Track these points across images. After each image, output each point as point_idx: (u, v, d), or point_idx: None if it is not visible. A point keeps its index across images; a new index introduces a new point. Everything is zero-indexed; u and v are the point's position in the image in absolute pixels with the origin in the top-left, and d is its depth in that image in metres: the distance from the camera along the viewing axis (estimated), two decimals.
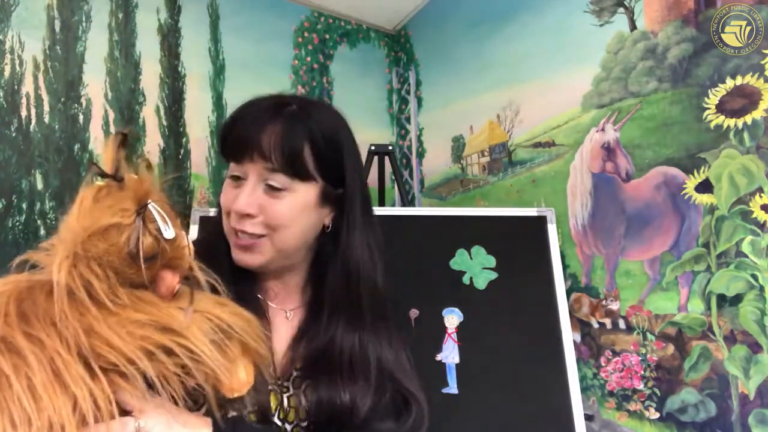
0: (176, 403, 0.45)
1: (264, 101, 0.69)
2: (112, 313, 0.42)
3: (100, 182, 0.46)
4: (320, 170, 0.67)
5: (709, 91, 1.10)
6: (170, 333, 0.42)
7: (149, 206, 0.45)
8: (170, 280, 0.47)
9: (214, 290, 0.51)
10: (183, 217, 0.80)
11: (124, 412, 0.43)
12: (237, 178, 0.66)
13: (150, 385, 0.42)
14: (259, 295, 0.71)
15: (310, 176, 0.66)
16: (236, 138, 0.66)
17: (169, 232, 0.45)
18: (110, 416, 0.40)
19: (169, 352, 0.42)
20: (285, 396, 0.66)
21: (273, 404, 0.64)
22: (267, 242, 0.65)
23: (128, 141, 0.47)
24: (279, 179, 0.64)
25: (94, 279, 0.42)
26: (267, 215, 0.64)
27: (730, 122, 1.07)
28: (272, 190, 0.64)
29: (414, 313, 1.14)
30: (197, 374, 0.44)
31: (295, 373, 0.67)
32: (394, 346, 0.72)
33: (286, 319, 0.72)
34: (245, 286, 0.67)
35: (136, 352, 0.40)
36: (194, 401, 0.48)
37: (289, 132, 0.64)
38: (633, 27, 1.27)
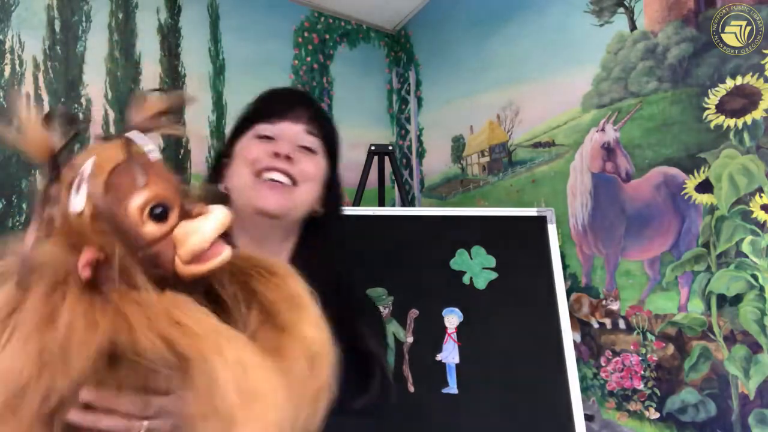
0: None
1: (296, 89, 0.78)
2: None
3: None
4: (331, 149, 0.75)
5: (709, 91, 1.10)
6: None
7: (82, 169, 0.36)
8: (80, 259, 0.36)
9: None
10: None
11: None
12: (267, 138, 0.70)
13: None
14: None
15: (329, 149, 0.75)
16: (282, 97, 0.75)
17: (75, 204, 0.35)
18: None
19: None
20: None
21: None
22: (295, 191, 0.69)
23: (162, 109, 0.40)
24: (313, 142, 0.71)
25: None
26: (301, 168, 0.69)
27: (730, 122, 1.07)
28: (305, 149, 0.70)
29: (414, 313, 1.14)
30: None
31: None
32: (360, 319, 0.72)
33: None
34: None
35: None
36: None
37: (324, 113, 0.77)
38: (633, 27, 1.27)
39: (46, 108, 1.41)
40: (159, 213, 0.36)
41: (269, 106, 0.73)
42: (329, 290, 0.68)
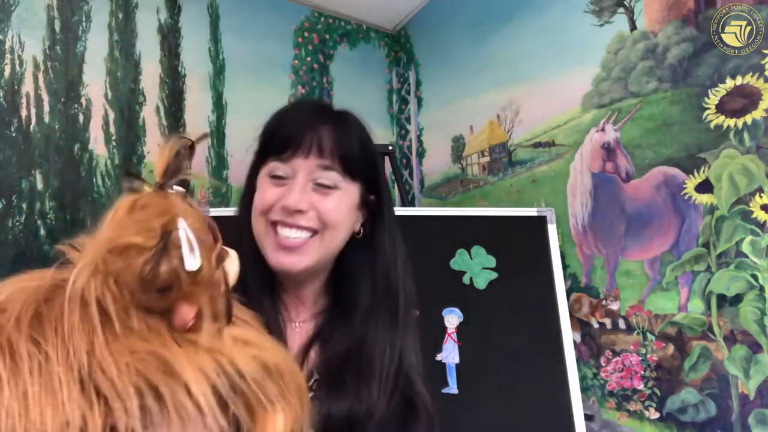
0: None
1: (307, 103, 0.71)
2: (117, 336, 0.40)
3: (144, 188, 0.42)
4: (363, 172, 0.68)
5: (709, 91, 1.10)
6: (167, 374, 0.38)
7: (180, 230, 0.41)
8: (185, 313, 0.41)
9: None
10: None
11: None
12: (280, 178, 0.64)
13: None
14: (278, 312, 0.69)
15: (358, 175, 0.67)
16: (289, 133, 0.65)
17: (191, 263, 0.40)
18: None
19: (159, 397, 0.37)
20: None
21: None
22: (316, 242, 0.64)
23: (194, 151, 0.41)
24: (331, 176, 0.64)
25: (109, 295, 0.40)
26: (319, 212, 0.63)
27: (730, 122, 1.07)
28: (322, 188, 0.64)
29: (414, 313, 1.14)
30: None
31: (313, 378, 0.66)
32: (415, 348, 0.72)
33: (294, 330, 0.71)
34: (265, 299, 0.65)
35: (127, 388, 0.36)
36: None
37: (344, 131, 0.66)
38: (633, 27, 1.27)
39: (47, 108, 1.41)
40: (220, 258, 0.44)
41: (278, 140, 0.66)
42: (381, 305, 0.67)
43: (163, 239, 0.40)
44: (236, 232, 0.65)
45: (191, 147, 0.42)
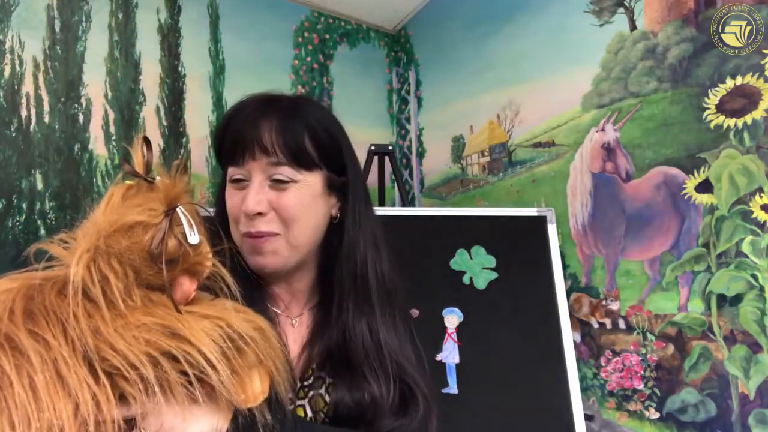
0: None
1: (252, 100, 0.68)
2: (121, 315, 0.41)
3: (129, 181, 0.46)
4: (322, 158, 0.66)
5: (709, 91, 1.11)
6: (177, 339, 0.41)
7: (178, 209, 0.45)
8: (187, 286, 0.46)
9: (233, 297, 0.50)
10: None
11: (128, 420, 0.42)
12: (239, 181, 0.65)
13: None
14: (268, 304, 0.69)
15: (314, 165, 0.66)
16: (233, 139, 0.64)
17: (193, 238, 0.45)
18: (112, 421, 0.39)
19: (174, 359, 0.41)
20: (307, 400, 0.65)
21: (300, 412, 0.63)
22: (282, 240, 0.64)
23: (151, 144, 0.47)
24: (284, 171, 0.63)
25: (112, 275, 0.41)
26: (278, 210, 0.63)
27: (730, 122, 1.07)
28: (279, 183, 0.63)
29: (414, 313, 1.14)
30: (206, 383, 0.43)
31: (312, 373, 0.66)
32: (398, 333, 0.71)
33: (292, 326, 0.71)
34: (253, 295, 0.65)
35: (139, 357, 0.39)
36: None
37: (287, 123, 0.64)
38: (633, 27, 1.27)
39: (47, 108, 1.41)
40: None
41: (227, 145, 0.65)
42: (353, 291, 0.67)
43: (168, 216, 0.44)
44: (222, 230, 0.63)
45: (148, 143, 0.47)
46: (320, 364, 0.67)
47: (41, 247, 0.46)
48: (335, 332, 0.66)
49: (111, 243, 0.42)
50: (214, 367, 0.41)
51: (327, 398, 0.64)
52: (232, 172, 0.65)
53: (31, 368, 0.37)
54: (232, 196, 0.66)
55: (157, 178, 0.46)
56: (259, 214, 0.62)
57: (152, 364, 0.40)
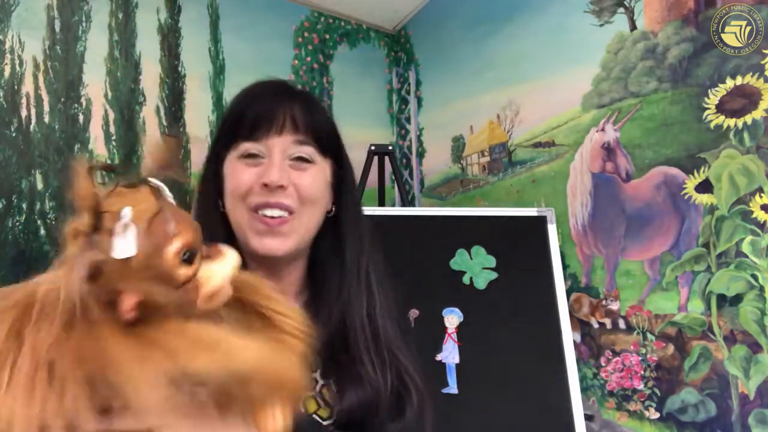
0: None
1: (270, 83, 0.69)
2: (75, 330, 0.38)
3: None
4: (333, 149, 0.68)
5: (709, 91, 1.11)
6: (111, 369, 0.36)
7: (122, 216, 0.38)
8: (124, 302, 0.38)
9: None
10: None
11: None
12: (254, 156, 0.62)
13: None
14: None
15: (330, 151, 0.67)
16: (260, 113, 0.63)
17: (122, 250, 0.38)
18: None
19: (110, 388, 0.36)
20: (318, 390, 0.63)
21: (312, 406, 0.62)
22: (296, 221, 0.63)
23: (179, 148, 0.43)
24: (308, 151, 0.63)
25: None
26: (298, 188, 0.62)
27: (730, 122, 1.07)
28: (301, 162, 0.63)
29: (414, 313, 1.14)
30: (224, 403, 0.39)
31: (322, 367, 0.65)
32: (394, 324, 0.70)
33: None
34: None
35: (78, 378, 0.35)
36: None
37: (313, 107, 0.66)
38: (633, 27, 1.27)
39: (46, 108, 1.41)
40: (188, 258, 0.40)
41: (249, 120, 0.63)
42: (351, 282, 0.66)
43: (91, 225, 0.37)
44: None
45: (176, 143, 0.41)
46: (315, 364, 0.65)
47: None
48: (334, 321, 0.65)
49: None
50: (148, 408, 0.36)
51: (320, 401, 0.63)
52: (247, 147, 0.62)
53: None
54: (242, 171, 0.62)
55: (153, 182, 0.42)
56: (281, 187, 0.61)
57: (89, 386, 0.36)
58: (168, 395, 0.35)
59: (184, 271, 0.39)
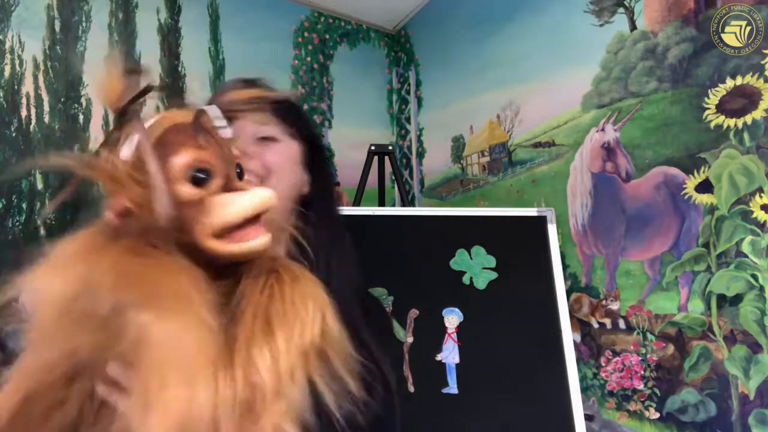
0: None
1: (233, 80, 0.73)
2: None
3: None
4: (300, 130, 0.72)
5: (709, 91, 1.10)
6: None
7: (136, 123, 0.36)
8: (110, 205, 0.36)
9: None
10: None
11: None
12: None
13: None
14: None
15: (295, 128, 0.71)
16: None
17: (123, 151, 0.36)
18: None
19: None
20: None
21: None
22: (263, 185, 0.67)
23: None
24: (271, 130, 0.69)
25: None
26: (262, 159, 0.67)
27: (730, 122, 1.07)
28: (265, 141, 0.69)
29: (414, 313, 1.14)
30: None
31: None
32: (355, 305, 0.69)
33: None
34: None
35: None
36: None
37: (272, 90, 0.69)
38: (633, 27, 1.27)
39: (46, 108, 1.41)
40: (199, 178, 0.35)
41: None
42: (324, 273, 0.67)
43: (118, 122, 0.36)
44: None
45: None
46: None
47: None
48: None
49: None
50: None
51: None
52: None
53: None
54: None
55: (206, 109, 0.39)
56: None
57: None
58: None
59: (187, 190, 0.35)
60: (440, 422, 1.08)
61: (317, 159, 0.75)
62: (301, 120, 0.74)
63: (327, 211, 0.74)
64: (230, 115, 0.47)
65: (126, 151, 0.36)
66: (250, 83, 0.58)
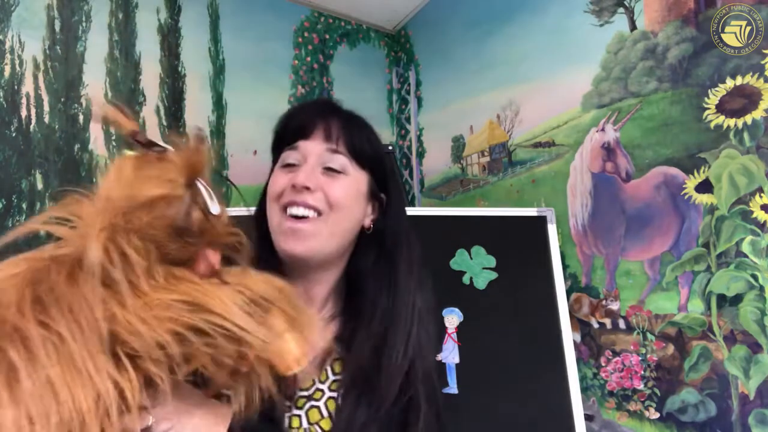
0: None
1: (318, 99, 0.74)
2: (142, 294, 0.38)
3: (131, 153, 0.44)
4: (371, 162, 0.70)
5: (709, 91, 1.11)
6: (202, 311, 0.39)
7: (197, 180, 0.43)
8: (212, 257, 0.44)
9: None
10: None
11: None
12: (291, 165, 0.67)
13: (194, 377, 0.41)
14: None
15: (365, 163, 0.69)
16: (300, 122, 0.68)
17: (215, 208, 0.44)
18: (138, 408, 0.37)
19: (201, 333, 0.39)
20: (304, 411, 0.64)
21: (315, 416, 0.63)
22: (322, 223, 0.64)
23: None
24: (339, 160, 0.66)
25: (134, 254, 0.38)
26: (326, 193, 0.65)
27: (730, 122, 1.07)
28: (330, 171, 0.66)
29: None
30: (247, 355, 0.41)
31: (313, 384, 0.66)
32: (428, 354, 0.70)
33: None
34: None
35: (164, 335, 0.37)
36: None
37: (350, 121, 0.69)
38: (633, 27, 1.27)
39: (46, 107, 1.41)
40: None
41: (290, 130, 0.69)
42: (395, 311, 0.67)
43: (191, 187, 0.43)
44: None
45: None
46: (351, 371, 0.65)
47: (35, 228, 0.41)
48: (372, 341, 0.65)
49: (131, 219, 0.39)
50: (246, 330, 0.40)
51: (324, 411, 0.64)
52: (286, 155, 0.67)
53: (47, 360, 0.34)
54: (279, 177, 0.67)
55: (169, 148, 0.44)
56: (307, 189, 0.63)
57: (178, 341, 0.38)
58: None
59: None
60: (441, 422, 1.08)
61: (385, 192, 0.72)
62: (372, 147, 0.70)
63: (406, 248, 0.73)
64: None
65: (216, 208, 0.46)
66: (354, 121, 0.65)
